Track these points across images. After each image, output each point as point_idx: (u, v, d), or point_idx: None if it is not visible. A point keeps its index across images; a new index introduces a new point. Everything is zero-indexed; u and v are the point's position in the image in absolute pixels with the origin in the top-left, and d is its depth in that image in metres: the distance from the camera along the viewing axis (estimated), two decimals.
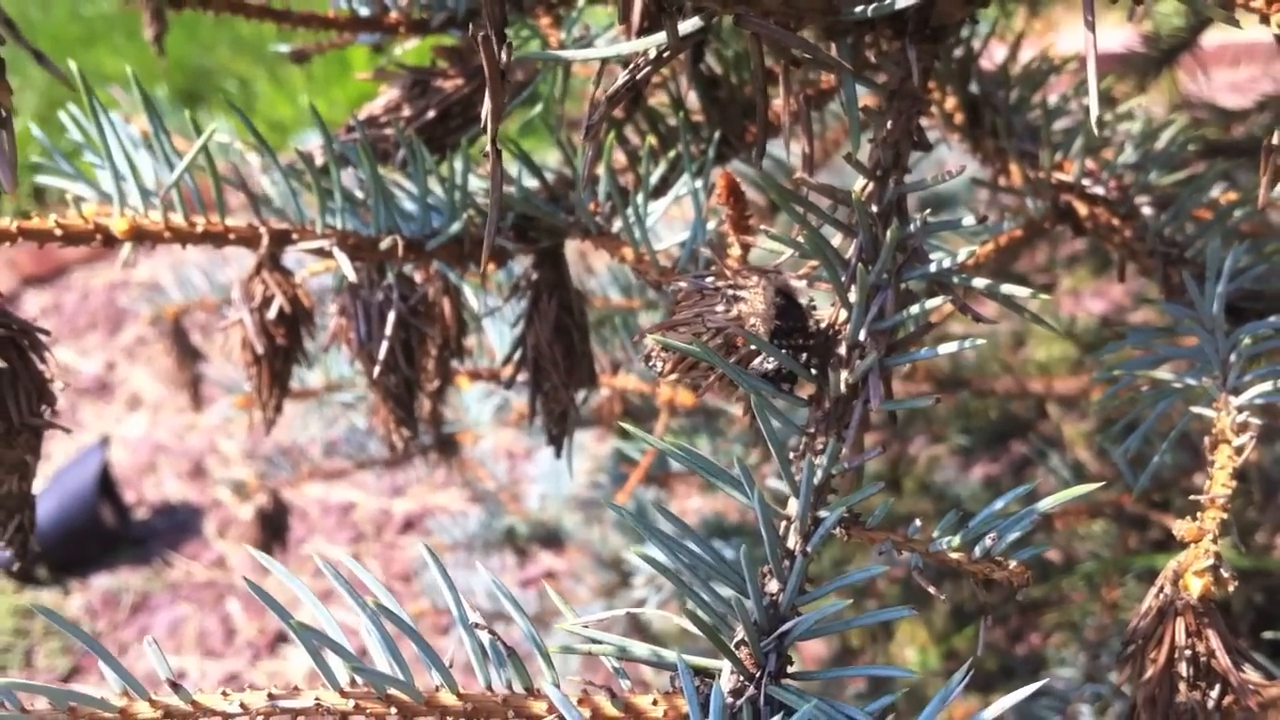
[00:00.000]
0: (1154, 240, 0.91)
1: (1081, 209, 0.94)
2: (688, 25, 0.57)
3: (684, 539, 0.57)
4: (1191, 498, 0.67)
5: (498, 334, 1.31)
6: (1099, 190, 0.94)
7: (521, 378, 0.99)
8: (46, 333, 0.71)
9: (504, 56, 0.48)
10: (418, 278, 0.98)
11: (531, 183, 0.92)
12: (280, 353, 0.97)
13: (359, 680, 0.55)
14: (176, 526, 3.73)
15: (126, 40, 5.75)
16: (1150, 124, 1.00)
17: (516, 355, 0.96)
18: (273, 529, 2.25)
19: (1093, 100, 0.56)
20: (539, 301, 0.93)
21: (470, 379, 1.35)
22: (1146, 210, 0.93)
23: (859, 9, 0.59)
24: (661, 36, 0.57)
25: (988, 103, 0.99)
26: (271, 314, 0.95)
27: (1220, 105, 1.98)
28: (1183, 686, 0.66)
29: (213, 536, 3.68)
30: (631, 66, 0.59)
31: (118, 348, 4.40)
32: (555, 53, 0.58)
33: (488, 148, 0.49)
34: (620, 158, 0.96)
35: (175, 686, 0.53)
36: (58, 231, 0.72)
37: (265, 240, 0.79)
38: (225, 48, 5.89)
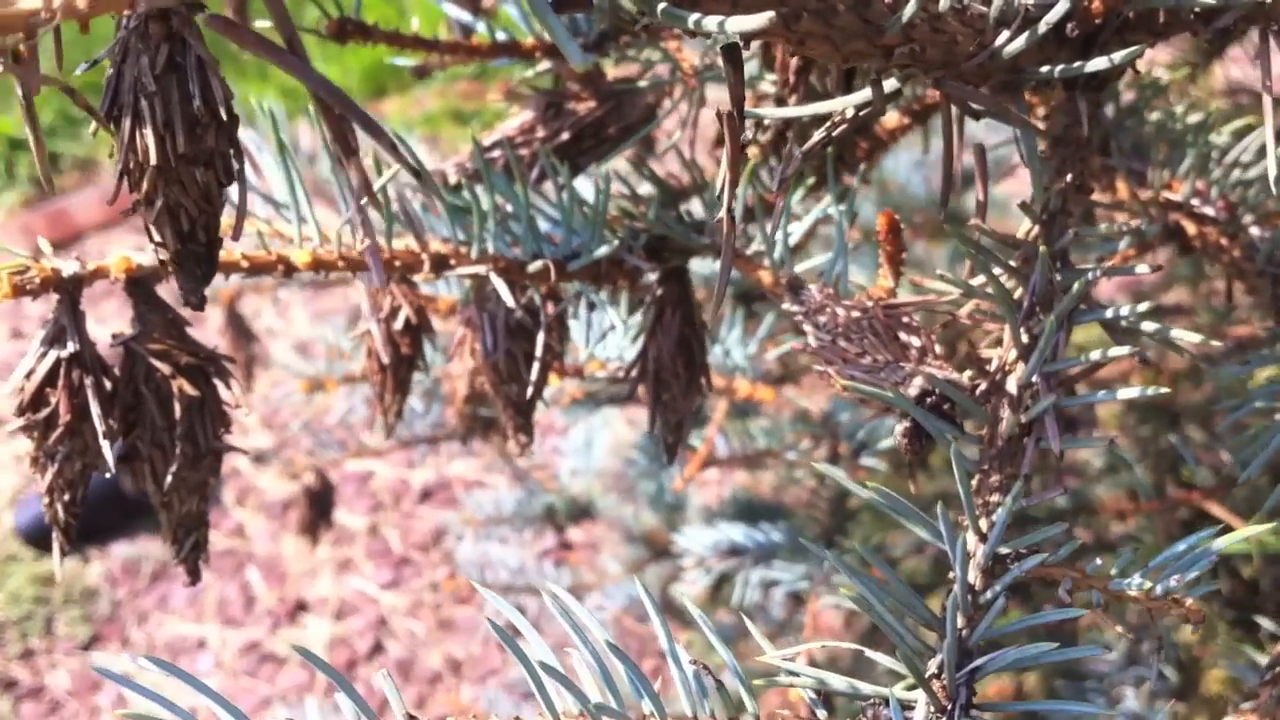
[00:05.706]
0: (1263, 260, 0.93)
1: (1190, 228, 0.96)
2: (890, 85, 0.60)
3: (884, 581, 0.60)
4: None
5: (582, 339, 1.34)
6: (1208, 210, 0.96)
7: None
8: (231, 360, 0.74)
9: (745, 131, 0.50)
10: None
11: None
12: (404, 361, 1.00)
13: (575, 710, 0.58)
14: None
15: None
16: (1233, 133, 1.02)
17: (637, 367, 0.98)
18: (320, 507, 2.28)
19: (1270, 163, 0.59)
20: (662, 316, 0.95)
21: (559, 375, 1.37)
22: (1254, 230, 0.95)
23: (1044, 69, 0.61)
24: (864, 95, 0.59)
25: (1095, 120, 1.01)
26: (398, 324, 0.98)
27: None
28: None
29: (231, 505, 3.71)
30: (828, 125, 0.61)
31: None
32: (758, 110, 0.60)
33: (722, 214, 0.51)
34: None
35: (411, 718, 0.56)
36: (244, 264, 0.74)
37: (426, 265, 0.81)
38: None
